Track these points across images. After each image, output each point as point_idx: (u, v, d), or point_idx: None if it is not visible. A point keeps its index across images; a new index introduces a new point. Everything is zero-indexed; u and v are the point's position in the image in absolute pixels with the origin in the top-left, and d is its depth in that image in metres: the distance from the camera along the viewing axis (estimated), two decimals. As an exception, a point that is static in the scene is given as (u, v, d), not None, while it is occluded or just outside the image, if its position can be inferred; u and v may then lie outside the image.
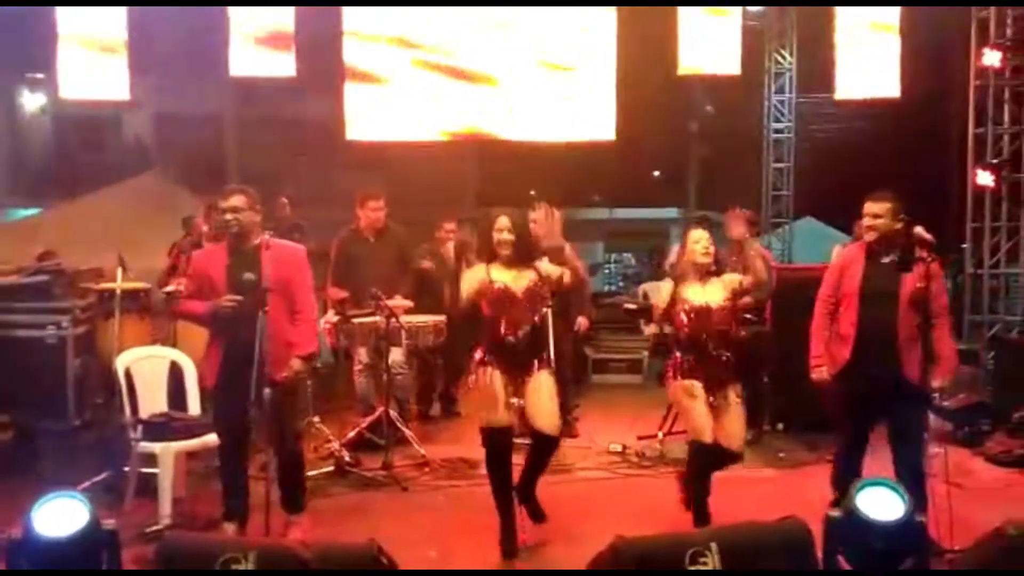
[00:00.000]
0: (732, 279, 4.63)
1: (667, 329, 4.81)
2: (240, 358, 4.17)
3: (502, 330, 4.41)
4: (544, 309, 4.59)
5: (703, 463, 4.51)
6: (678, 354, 4.60)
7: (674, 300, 4.59)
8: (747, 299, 6.22)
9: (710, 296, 4.56)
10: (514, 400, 4.39)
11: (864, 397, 4.48)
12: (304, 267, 4.54)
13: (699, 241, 4.59)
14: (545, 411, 4.40)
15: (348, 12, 9.51)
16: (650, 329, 4.89)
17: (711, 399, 4.48)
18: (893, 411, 4.47)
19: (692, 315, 4.53)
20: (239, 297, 4.26)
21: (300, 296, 4.48)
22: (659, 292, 4.78)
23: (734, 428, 4.50)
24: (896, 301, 4.37)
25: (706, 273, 4.58)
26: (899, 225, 4.45)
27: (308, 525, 4.55)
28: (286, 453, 4.44)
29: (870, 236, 4.46)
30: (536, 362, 4.47)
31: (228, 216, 4.40)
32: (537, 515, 4.62)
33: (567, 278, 4.54)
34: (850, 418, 4.60)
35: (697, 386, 4.48)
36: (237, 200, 4.42)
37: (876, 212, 4.44)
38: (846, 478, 4.45)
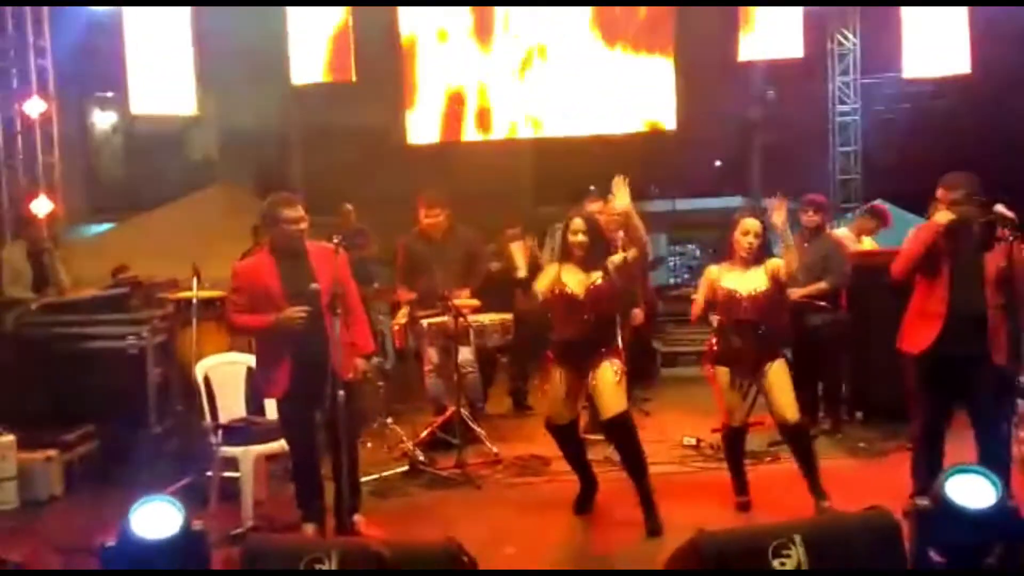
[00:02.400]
0: (774, 264, 4.63)
1: (713, 318, 4.90)
2: (309, 365, 4.22)
3: (563, 330, 4.66)
4: (609, 306, 4.68)
5: (734, 444, 4.84)
6: (713, 337, 4.79)
7: (713, 288, 4.72)
8: (823, 285, 6.16)
9: (750, 283, 4.62)
10: (581, 404, 4.74)
11: (949, 378, 4.35)
12: (346, 265, 4.54)
13: (748, 232, 4.63)
14: (606, 399, 4.56)
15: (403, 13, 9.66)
16: (717, 319, 4.87)
17: (744, 383, 4.67)
18: (977, 394, 4.34)
19: (723, 302, 4.68)
20: (307, 308, 4.28)
21: (350, 295, 4.53)
22: (705, 275, 4.88)
23: (783, 400, 4.61)
24: (980, 282, 4.23)
25: (752, 260, 4.63)
26: (976, 206, 4.31)
27: (376, 524, 4.59)
28: (347, 454, 4.41)
29: (942, 220, 4.33)
30: (600, 356, 4.60)
31: (302, 225, 4.45)
32: (655, 528, 4.53)
33: (631, 256, 4.67)
34: (930, 400, 4.46)
35: (725, 373, 4.68)
36: (301, 208, 4.49)
37: (951, 199, 4.31)
38: (928, 466, 4.35)
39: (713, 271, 4.80)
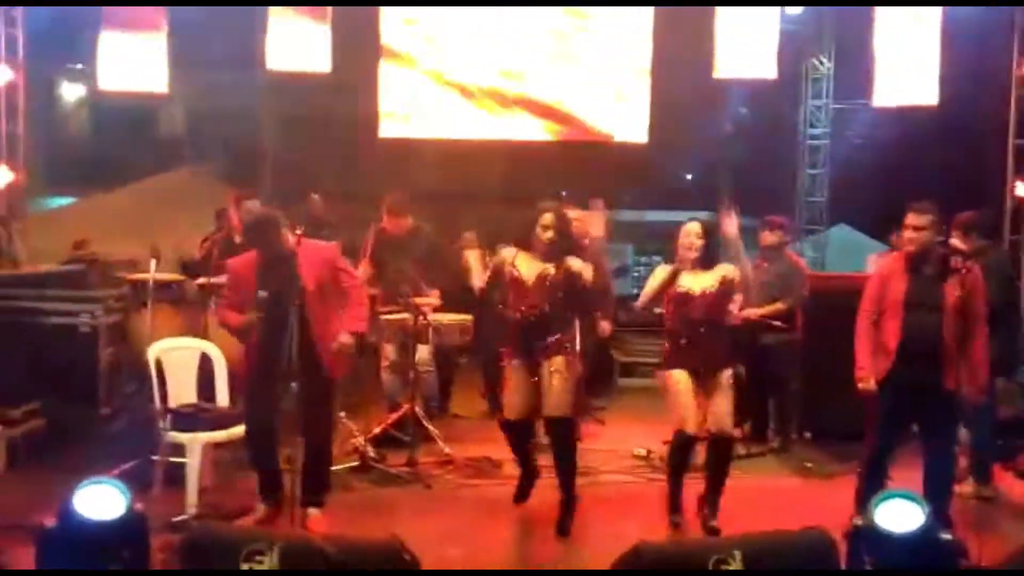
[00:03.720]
0: (725, 269, 4.70)
1: (657, 310, 4.92)
2: (272, 359, 4.29)
3: (511, 310, 4.69)
4: (559, 297, 4.70)
5: (683, 452, 4.74)
6: (667, 344, 4.77)
7: (669, 284, 4.72)
8: (780, 306, 6.24)
9: (702, 283, 4.67)
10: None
11: (902, 408, 4.43)
12: (338, 259, 4.67)
13: (690, 234, 4.71)
14: (554, 397, 4.59)
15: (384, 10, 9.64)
16: (663, 312, 4.90)
17: (698, 386, 4.63)
18: (930, 421, 4.44)
19: (676, 302, 4.70)
20: (253, 317, 4.43)
21: (347, 285, 4.63)
22: (654, 277, 4.87)
23: (722, 409, 4.61)
24: (940, 312, 4.32)
25: (699, 264, 4.68)
26: (940, 237, 4.42)
27: (326, 520, 4.57)
28: (316, 443, 4.53)
29: (911, 248, 4.41)
30: (551, 348, 4.63)
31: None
32: (564, 530, 4.64)
33: (587, 274, 4.70)
34: (884, 428, 4.55)
35: (683, 376, 4.63)
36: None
37: (918, 224, 4.39)
38: (871, 490, 4.42)
39: (666, 271, 4.79)
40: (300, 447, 4.38)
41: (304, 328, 4.31)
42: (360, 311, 4.66)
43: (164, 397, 4.96)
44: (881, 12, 9.19)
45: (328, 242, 4.97)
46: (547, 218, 4.67)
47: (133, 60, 8.84)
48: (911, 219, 4.42)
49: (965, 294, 4.27)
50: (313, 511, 4.57)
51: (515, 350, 4.72)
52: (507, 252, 4.79)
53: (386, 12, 9.74)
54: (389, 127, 9.91)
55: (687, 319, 4.66)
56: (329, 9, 9.11)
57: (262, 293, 4.39)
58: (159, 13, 8.86)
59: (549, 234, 4.64)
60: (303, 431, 4.39)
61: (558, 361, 4.62)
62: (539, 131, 9.86)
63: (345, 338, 4.50)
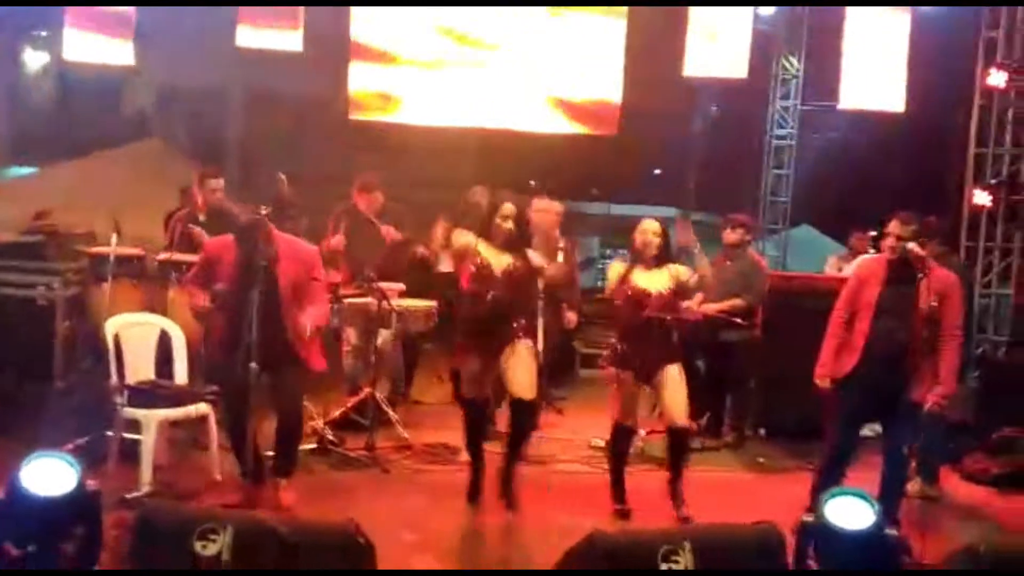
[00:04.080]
0: (677, 269, 4.77)
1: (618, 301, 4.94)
2: (234, 347, 4.34)
3: (476, 300, 4.66)
4: (522, 287, 4.75)
5: (623, 443, 4.87)
6: (615, 340, 4.82)
7: (623, 281, 4.75)
8: (738, 302, 6.33)
9: (657, 283, 4.73)
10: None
11: (863, 409, 4.53)
12: (316, 268, 4.77)
13: (646, 231, 4.76)
14: (520, 377, 4.62)
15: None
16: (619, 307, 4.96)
17: (645, 384, 4.72)
18: (892, 424, 4.54)
19: (630, 301, 4.73)
20: (207, 305, 4.51)
21: (314, 292, 4.71)
22: (613, 271, 4.92)
23: (674, 401, 4.69)
24: (910, 318, 4.40)
25: (654, 261, 4.73)
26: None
27: (288, 491, 4.66)
28: (288, 416, 4.64)
29: (892, 254, 4.51)
30: (512, 331, 4.66)
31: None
32: (512, 503, 4.71)
33: (552, 271, 4.78)
34: (844, 427, 4.65)
35: (627, 375, 4.70)
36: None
37: (902, 234, 4.49)
38: (828, 487, 4.51)
39: (622, 267, 4.84)
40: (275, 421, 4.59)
41: (278, 324, 4.47)
42: (323, 308, 4.80)
43: (121, 373, 4.91)
44: (852, 17, 9.32)
45: (290, 221, 4.99)
46: (507, 208, 4.70)
47: (99, 31, 8.69)
48: (895, 228, 4.53)
49: (938, 301, 4.35)
50: (283, 482, 4.68)
51: (479, 334, 4.72)
52: (468, 238, 4.78)
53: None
54: (359, 110, 9.83)
55: (640, 319, 4.70)
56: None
57: (219, 286, 4.47)
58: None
59: (509, 224, 4.66)
60: (278, 408, 4.60)
61: (524, 344, 4.67)
62: (511, 121, 9.84)
63: (307, 322, 4.57)
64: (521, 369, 4.64)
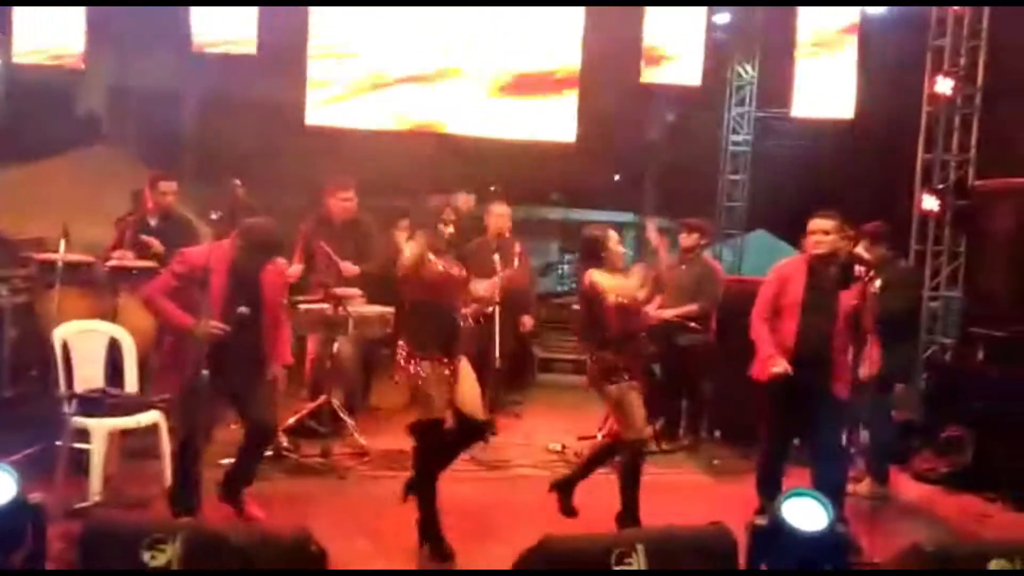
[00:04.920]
0: (641, 271, 4.79)
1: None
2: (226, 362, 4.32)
3: (451, 312, 4.44)
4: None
5: (640, 459, 4.72)
6: (611, 355, 4.61)
7: (609, 291, 4.63)
8: (693, 307, 6.39)
9: (634, 291, 4.69)
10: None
11: (792, 408, 4.59)
12: (285, 287, 4.90)
13: (616, 242, 4.77)
14: (473, 395, 4.48)
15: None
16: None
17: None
18: (817, 424, 4.59)
19: (621, 313, 4.61)
20: (223, 327, 4.33)
21: (279, 312, 4.75)
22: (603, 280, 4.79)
23: (640, 413, 4.60)
24: (833, 316, 4.48)
25: (623, 269, 4.76)
26: (844, 242, 4.59)
27: (252, 501, 4.64)
28: (260, 428, 4.60)
29: (818, 251, 4.57)
30: (461, 344, 4.57)
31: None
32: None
33: (480, 292, 4.91)
34: (776, 431, 4.72)
35: (632, 385, 4.61)
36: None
37: (824, 228, 4.55)
38: (770, 485, 4.59)
39: (606, 277, 4.70)
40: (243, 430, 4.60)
41: (257, 338, 4.52)
42: (286, 340, 4.87)
43: (70, 381, 4.82)
44: (803, 25, 9.48)
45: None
46: (449, 212, 4.57)
47: (50, 32, 8.54)
48: (816, 224, 4.59)
49: (860, 304, 4.42)
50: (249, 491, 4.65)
51: (438, 347, 4.43)
52: (421, 246, 4.54)
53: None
54: (315, 114, 9.78)
55: (633, 329, 4.68)
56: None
57: (243, 309, 4.38)
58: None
59: (450, 229, 4.52)
60: (251, 419, 4.56)
61: (466, 362, 4.53)
62: (466, 125, 9.86)
63: (281, 374, 4.73)
64: (473, 387, 4.50)
